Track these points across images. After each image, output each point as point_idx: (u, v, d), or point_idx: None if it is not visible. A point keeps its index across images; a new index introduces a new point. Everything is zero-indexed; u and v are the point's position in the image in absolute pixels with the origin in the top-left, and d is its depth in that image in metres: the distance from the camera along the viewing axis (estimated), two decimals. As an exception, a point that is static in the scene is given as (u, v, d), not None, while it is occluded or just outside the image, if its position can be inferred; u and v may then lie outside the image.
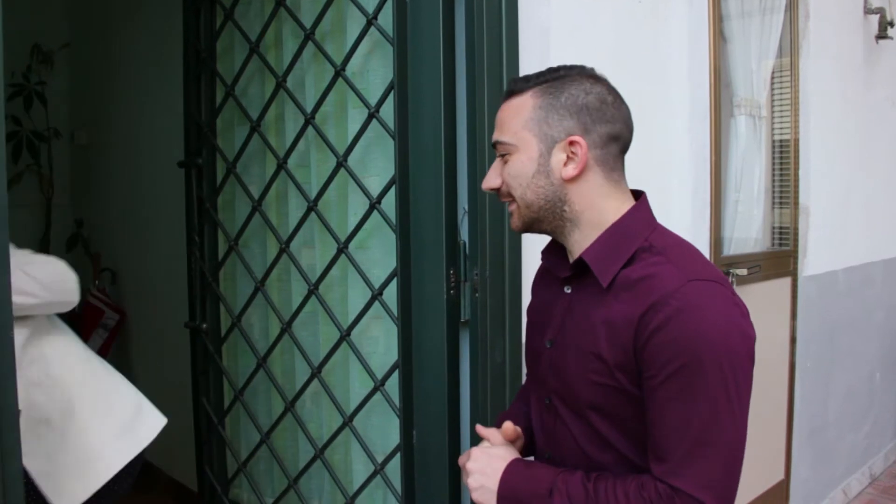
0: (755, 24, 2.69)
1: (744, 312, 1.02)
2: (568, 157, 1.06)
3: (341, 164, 1.79)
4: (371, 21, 1.71)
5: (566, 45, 1.78)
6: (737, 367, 0.98)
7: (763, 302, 2.73)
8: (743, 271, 2.50)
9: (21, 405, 1.16)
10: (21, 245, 1.59)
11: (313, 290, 1.88)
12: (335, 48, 1.86)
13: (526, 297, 1.73)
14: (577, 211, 1.09)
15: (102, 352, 3.33)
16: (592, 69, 1.12)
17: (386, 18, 1.69)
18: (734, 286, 2.48)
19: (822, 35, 2.92)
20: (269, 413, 2.14)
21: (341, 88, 1.83)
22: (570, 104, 1.06)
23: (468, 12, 1.61)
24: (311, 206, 1.88)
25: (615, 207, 1.09)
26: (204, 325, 2.18)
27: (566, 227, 1.11)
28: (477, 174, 1.61)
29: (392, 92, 1.67)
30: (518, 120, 1.08)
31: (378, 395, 1.77)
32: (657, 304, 0.98)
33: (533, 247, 1.75)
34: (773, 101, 2.96)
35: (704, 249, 2.36)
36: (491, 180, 1.13)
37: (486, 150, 1.62)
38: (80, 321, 3.37)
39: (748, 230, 2.73)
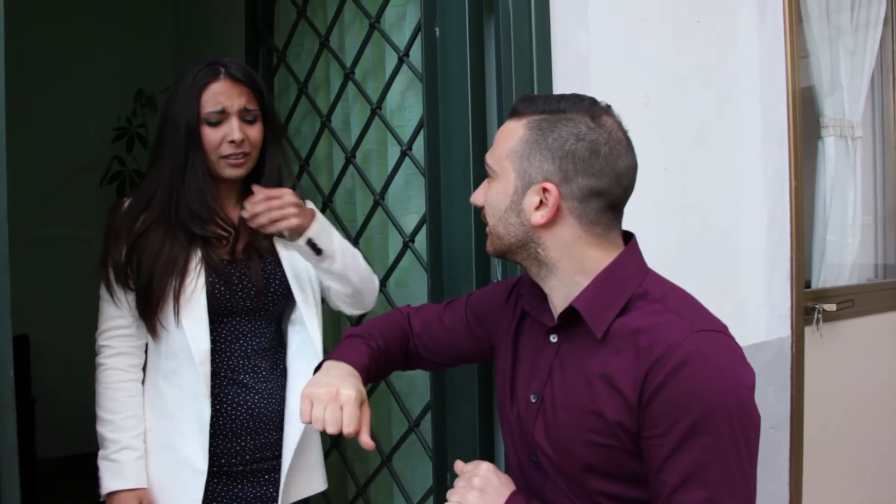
0: (846, 39, 2.48)
1: (746, 364, 0.95)
2: (541, 201, 0.99)
3: (378, 201, 1.79)
4: (402, 58, 1.70)
5: (608, 72, 1.70)
6: (746, 422, 0.92)
7: (860, 340, 2.48)
8: (831, 307, 2.28)
9: None
10: None
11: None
12: (376, 86, 1.87)
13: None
14: (552, 257, 1.01)
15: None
16: (606, 107, 1.02)
17: (419, 54, 1.68)
18: (820, 322, 2.28)
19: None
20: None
21: (382, 126, 1.83)
22: (555, 147, 0.98)
23: (497, 46, 1.57)
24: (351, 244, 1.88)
25: (600, 257, 1.01)
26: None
27: (541, 271, 1.04)
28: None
29: (422, 129, 1.65)
30: (505, 147, 1.02)
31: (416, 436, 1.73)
32: (662, 358, 0.91)
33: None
34: (873, 119, 2.73)
35: (784, 284, 2.17)
36: (477, 196, 1.08)
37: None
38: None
39: (841, 261, 2.50)
